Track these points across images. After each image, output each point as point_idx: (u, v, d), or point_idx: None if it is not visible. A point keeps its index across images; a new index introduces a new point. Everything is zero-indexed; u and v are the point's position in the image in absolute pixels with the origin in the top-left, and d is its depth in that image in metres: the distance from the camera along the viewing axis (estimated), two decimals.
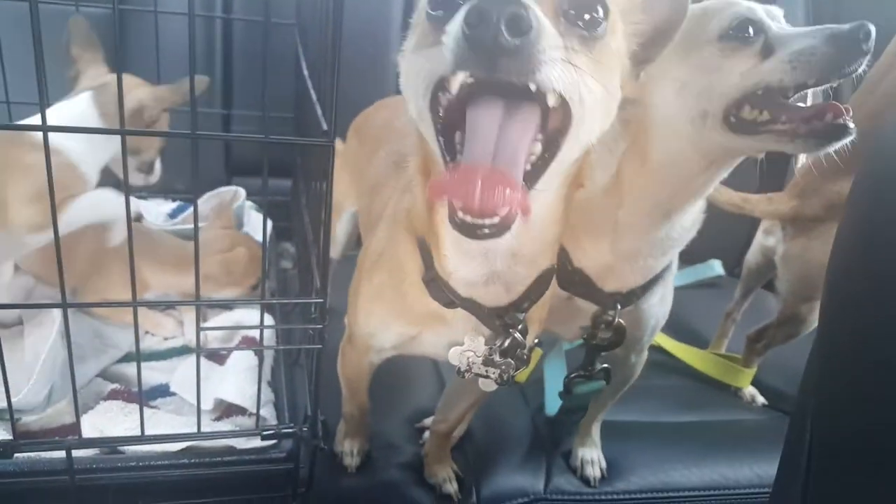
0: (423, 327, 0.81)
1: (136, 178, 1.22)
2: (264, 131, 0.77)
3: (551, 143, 0.59)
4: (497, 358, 0.77)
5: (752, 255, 1.46)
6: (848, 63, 0.71)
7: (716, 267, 1.81)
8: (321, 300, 0.89)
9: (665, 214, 0.82)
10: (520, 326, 0.76)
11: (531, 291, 0.75)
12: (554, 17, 0.56)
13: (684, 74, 0.77)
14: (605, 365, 1.02)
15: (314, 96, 0.93)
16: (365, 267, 0.87)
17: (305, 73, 1.07)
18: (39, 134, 0.67)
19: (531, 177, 0.59)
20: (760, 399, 1.40)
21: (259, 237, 1.47)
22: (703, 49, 0.76)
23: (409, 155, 0.74)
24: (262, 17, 0.79)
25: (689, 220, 0.85)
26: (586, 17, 0.57)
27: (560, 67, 0.53)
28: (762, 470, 1.16)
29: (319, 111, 0.86)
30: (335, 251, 1.32)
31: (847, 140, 0.72)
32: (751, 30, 0.75)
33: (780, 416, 1.35)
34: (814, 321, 1.29)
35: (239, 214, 1.51)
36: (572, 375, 1.03)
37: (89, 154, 1.09)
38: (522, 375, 1.05)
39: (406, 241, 0.77)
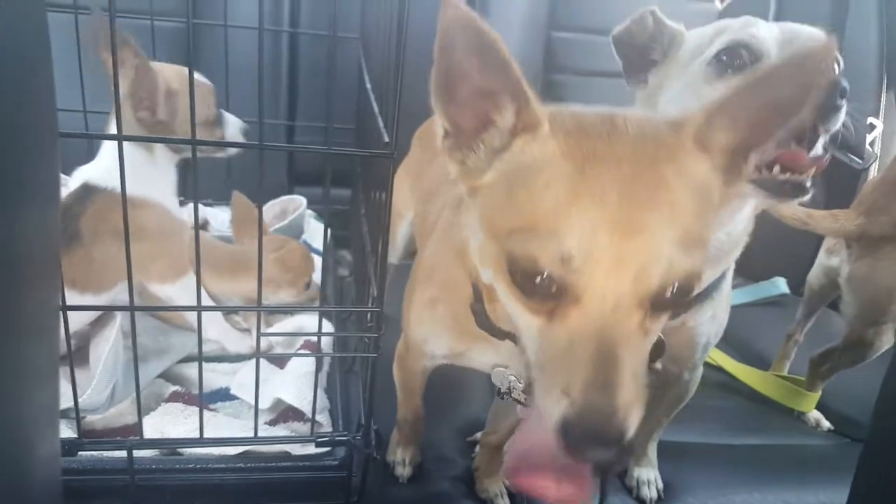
0: (472, 344, 0.80)
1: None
2: (327, 143, 0.79)
3: None
4: None
5: (815, 276, 1.40)
6: (822, 117, 0.67)
7: (780, 285, 1.74)
8: (377, 309, 0.90)
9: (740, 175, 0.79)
10: None
11: None
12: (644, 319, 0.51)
13: (676, 88, 0.76)
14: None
15: (376, 109, 0.94)
16: (418, 277, 0.87)
17: (368, 86, 1.08)
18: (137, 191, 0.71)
19: None
20: (826, 424, 1.34)
21: (319, 246, 1.51)
22: (696, 68, 0.74)
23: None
24: (328, 31, 0.81)
25: (726, 238, 0.81)
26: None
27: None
28: (828, 497, 1.10)
29: (381, 123, 0.87)
30: (394, 256, 1.34)
31: (802, 198, 0.67)
32: (744, 55, 0.71)
33: (846, 443, 1.30)
34: (881, 346, 1.23)
35: (300, 222, 1.54)
36: None
37: (170, 196, 1.14)
38: None
39: (458, 266, 0.75)
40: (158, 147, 1.12)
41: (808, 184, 0.68)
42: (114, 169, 0.96)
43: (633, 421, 0.47)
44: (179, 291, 1.14)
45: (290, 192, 1.68)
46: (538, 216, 0.49)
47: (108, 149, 1.11)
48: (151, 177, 1.11)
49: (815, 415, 1.36)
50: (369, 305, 0.92)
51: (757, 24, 0.74)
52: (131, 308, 0.80)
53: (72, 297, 1.10)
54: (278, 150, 1.16)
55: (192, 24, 0.76)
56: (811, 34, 0.72)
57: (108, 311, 1.00)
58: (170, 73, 1.10)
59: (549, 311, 0.50)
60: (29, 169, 0.38)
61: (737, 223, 0.79)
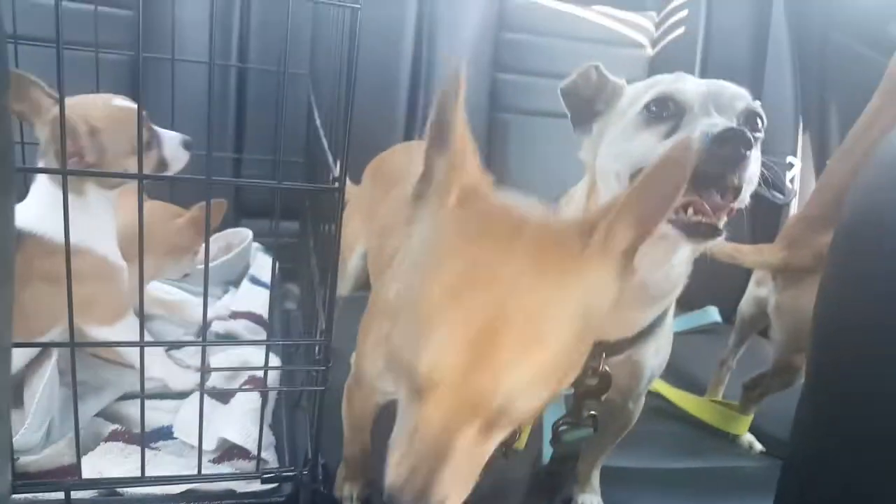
0: None
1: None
2: (277, 177, 0.80)
3: None
4: None
5: (745, 305, 1.48)
6: (731, 168, 0.70)
7: (713, 314, 1.82)
8: (326, 341, 0.91)
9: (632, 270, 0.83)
10: None
11: None
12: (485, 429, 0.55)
13: (613, 135, 0.81)
14: (592, 412, 1.02)
15: (325, 143, 0.96)
16: (374, 311, 0.89)
17: (318, 121, 1.10)
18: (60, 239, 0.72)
19: None
20: (758, 446, 1.40)
21: (266, 279, 1.50)
22: (630, 116, 0.79)
23: None
24: (278, 66, 0.83)
25: (665, 280, 0.84)
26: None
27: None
28: None
29: (330, 158, 0.89)
30: (345, 287, 1.33)
31: (715, 239, 0.72)
32: (671, 106, 0.76)
33: (777, 463, 1.33)
34: None
35: (245, 256, 1.53)
36: (559, 423, 1.04)
37: (105, 239, 1.09)
38: (520, 443, 1.04)
39: None
40: (91, 188, 1.06)
41: (721, 225, 0.72)
42: (44, 213, 0.98)
43: None
44: (118, 333, 1.10)
45: (236, 225, 1.66)
46: (419, 300, 0.51)
47: (37, 191, 1.06)
48: (84, 221, 1.04)
49: (748, 438, 1.41)
50: (317, 338, 0.93)
51: (685, 79, 0.79)
52: (71, 344, 0.78)
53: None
54: (225, 185, 1.14)
55: (141, 58, 0.76)
56: (734, 92, 0.77)
57: (48, 347, 0.96)
58: (89, 110, 1.03)
59: (410, 389, 0.54)
60: None
61: (674, 266, 0.83)
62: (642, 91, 0.80)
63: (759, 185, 0.78)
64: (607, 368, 0.92)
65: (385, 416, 0.99)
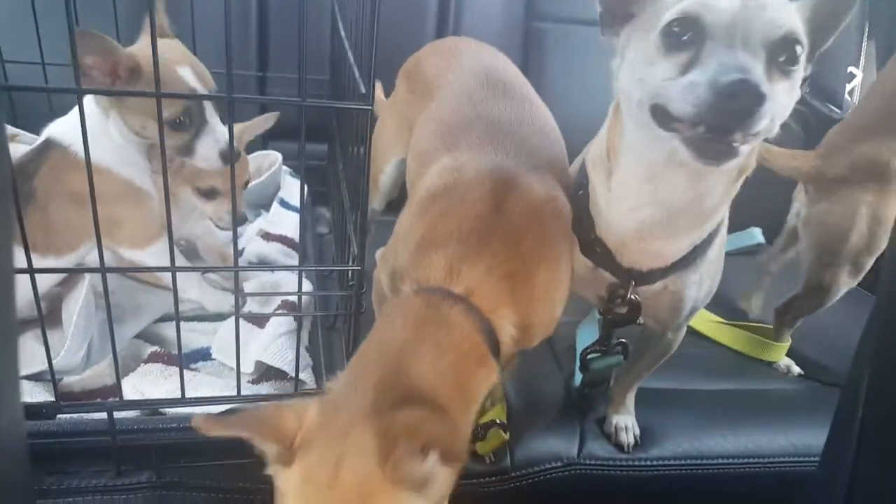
0: None
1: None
2: (301, 94, 0.76)
3: None
4: None
5: (790, 217, 1.42)
6: (732, 120, 0.64)
7: (756, 235, 1.76)
8: (359, 268, 0.89)
9: (654, 181, 0.77)
10: None
11: None
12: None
13: (636, 52, 0.73)
14: (622, 340, 1.01)
15: (351, 58, 0.92)
16: (403, 225, 0.87)
17: (342, 33, 1.05)
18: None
19: None
20: (796, 369, 1.38)
21: (296, 202, 1.48)
22: (650, 37, 0.70)
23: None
24: None
25: (700, 205, 0.79)
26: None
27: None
28: (797, 439, 1.14)
29: (357, 73, 0.85)
30: (378, 202, 1.30)
31: (733, 161, 0.67)
32: (694, 30, 0.67)
33: (816, 386, 1.33)
34: (838, 289, 1.25)
35: (276, 179, 1.51)
36: (587, 350, 1.02)
37: (129, 164, 1.07)
38: (483, 448, 1.04)
39: None
40: (113, 120, 1.03)
41: (737, 144, 0.66)
42: (75, 128, 0.91)
43: None
44: (150, 257, 1.11)
45: (264, 148, 1.64)
46: None
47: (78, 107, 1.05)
48: (110, 143, 1.03)
49: (785, 361, 1.39)
50: (350, 264, 0.91)
51: None
52: (102, 270, 0.77)
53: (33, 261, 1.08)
54: (249, 102, 1.09)
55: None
56: (770, 17, 0.66)
57: (78, 272, 0.97)
58: (145, 50, 0.97)
59: None
60: None
61: (704, 194, 0.78)
62: (672, 2, 0.71)
63: (811, 99, 0.72)
64: (635, 297, 0.90)
65: None
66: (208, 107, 1.02)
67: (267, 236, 1.40)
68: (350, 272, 0.93)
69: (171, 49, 1.01)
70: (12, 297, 0.39)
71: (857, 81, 1.79)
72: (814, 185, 1.26)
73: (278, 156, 1.55)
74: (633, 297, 0.89)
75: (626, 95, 0.76)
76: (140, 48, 1.00)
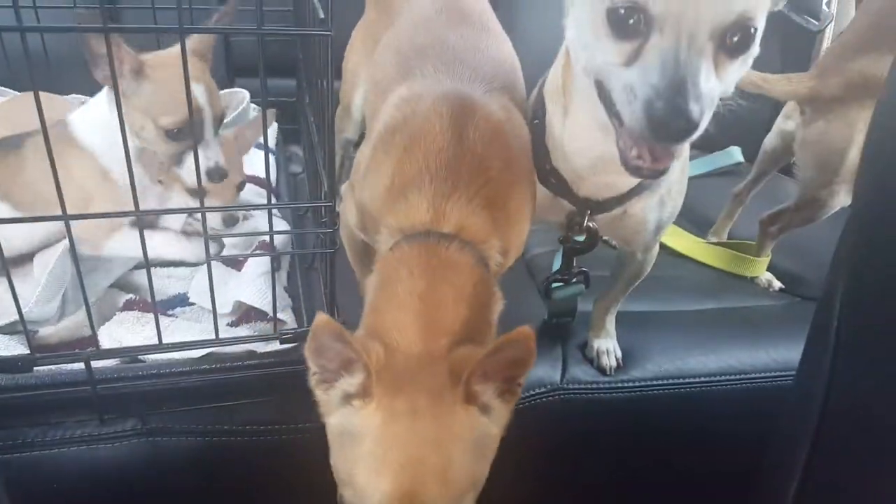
0: None
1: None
2: (258, 23, 0.72)
3: None
4: None
5: (770, 139, 1.43)
6: (663, 141, 0.63)
7: (735, 154, 1.76)
8: (330, 203, 0.87)
9: (605, 131, 0.75)
10: None
11: None
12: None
13: (579, 13, 0.70)
14: (584, 269, 1.02)
15: None
16: (364, 160, 0.85)
17: None
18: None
19: None
20: (777, 284, 1.40)
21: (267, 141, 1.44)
22: (598, 15, 0.66)
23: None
24: None
25: None
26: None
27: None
28: (779, 355, 1.16)
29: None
30: (352, 130, 1.28)
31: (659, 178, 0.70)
32: (641, 19, 0.62)
33: (797, 301, 1.35)
34: (834, 205, 1.27)
35: (245, 117, 1.46)
36: (549, 279, 1.03)
37: (118, 162, 1.03)
38: None
39: None
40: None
41: (664, 168, 0.68)
42: (82, 115, 1.06)
43: None
44: (117, 241, 1.09)
45: (231, 86, 1.58)
46: (351, 477, 0.64)
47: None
48: (106, 133, 1.02)
49: (766, 276, 1.40)
50: (322, 200, 0.89)
51: None
52: (65, 217, 0.75)
53: (6, 211, 1.05)
54: (201, 33, 1.04)
55: None
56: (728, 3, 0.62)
57: (39, 221, 0.94)
58: (159, 57, 1.00)
59: None
60: None
61: None
62: None
63: (789, 12, 0.69)
64: (593, 225, 0.91)
65: None
66: (207, 126, 1.04)
67: None
68: (322, 209, 0.90)
69: (192, 66, 0.98)
70: None
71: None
72: (810, 105, 1.26)
73: (245, 93, 1.50)
74: (590, 224, 0.91)
75: (573, 53, 0.74)
76: (157, 55, 1.01)
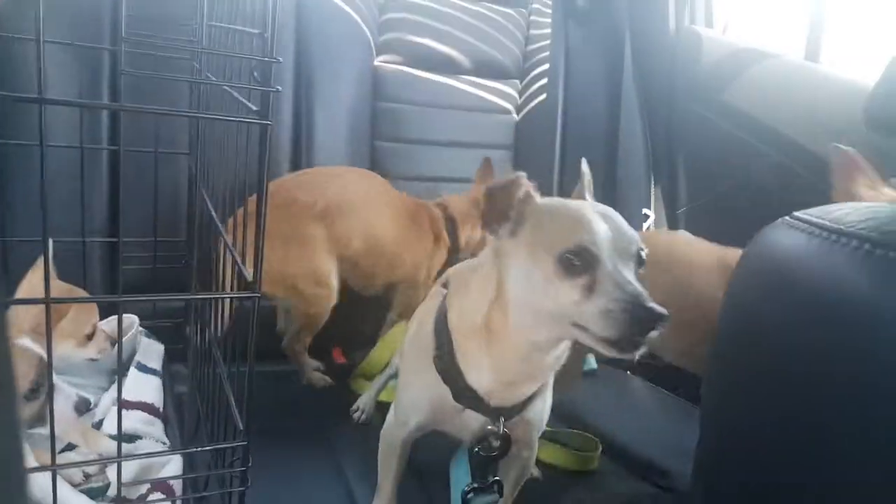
0: None
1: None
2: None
3: None
4: None
5: None
6: (639, 332, 0.80)
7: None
8: (245, 443, 0.88)
9: (526, 359, 0.95)
10: None
11: None
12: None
13: (526, 269, 0.88)
14: (497, 478, 1.10)
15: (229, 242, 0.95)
16: None
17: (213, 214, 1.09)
18: None
19: None
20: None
21: (153, 364, 1.44)
22: (549, 260, 0.84)
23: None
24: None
25: (555, 359, 0.97)
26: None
27: None
28: None
29: (239, 261, 0.88)
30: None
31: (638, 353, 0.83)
32: (587, 257, 0.82)
33: (655, 491, 1.45)
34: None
35: (133, 342, 1.46)
36: (467, 490, 1.10)
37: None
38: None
39: None
40: None
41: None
42: None
43: None
44: None
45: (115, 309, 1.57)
46: None
47: None
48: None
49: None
50: (235, 440, 0.90)
51: (594, 225, 0.84)
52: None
53: None
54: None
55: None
56: (630, 236, 0.86)
57: None
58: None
59: None
60: None
61: (558, 355, 0.96)
62: (563, 231, 0.85)
63: None
64: (507, 431, 1.03)
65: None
66: (54, 372, 1.04)
67: (126, 404, 1.33)
68: (232, 449, 0.90)
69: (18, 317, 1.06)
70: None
71: (650, 221, 2.20)
72: None
73: (134, 318, 1.51)
74: (504, 430, 1.03)
75: (516, 300, 0.90)
76: None
